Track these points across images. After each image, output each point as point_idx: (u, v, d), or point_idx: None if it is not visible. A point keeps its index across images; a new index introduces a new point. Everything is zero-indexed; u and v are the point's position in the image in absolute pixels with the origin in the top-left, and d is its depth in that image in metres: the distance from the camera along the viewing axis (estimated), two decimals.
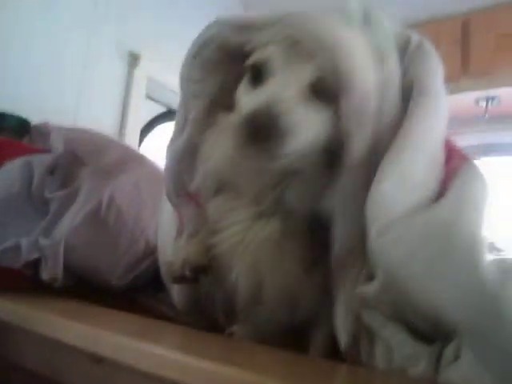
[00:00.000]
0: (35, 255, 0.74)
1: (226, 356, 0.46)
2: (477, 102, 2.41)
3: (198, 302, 0.63)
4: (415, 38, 0.56)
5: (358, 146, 0.46)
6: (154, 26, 1.96)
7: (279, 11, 0.51)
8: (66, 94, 1.57)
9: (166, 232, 0.68)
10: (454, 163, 0.49)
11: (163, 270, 0.70)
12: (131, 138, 1.79)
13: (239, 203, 0.53)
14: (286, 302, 0.52)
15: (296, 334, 0.55)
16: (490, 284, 0.35)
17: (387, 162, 0.45)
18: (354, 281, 0.46)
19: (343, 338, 0.44)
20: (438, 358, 0.38)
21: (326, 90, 0.46)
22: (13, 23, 1.39)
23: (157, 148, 2.29)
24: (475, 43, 2.26)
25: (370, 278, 0.43)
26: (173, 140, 0.59)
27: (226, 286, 0.55)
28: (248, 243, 0.51)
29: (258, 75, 0.49)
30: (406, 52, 0.54)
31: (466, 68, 2.27)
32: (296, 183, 0.50)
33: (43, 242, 0.74)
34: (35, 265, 0.75)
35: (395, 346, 0.40)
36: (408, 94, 0.50)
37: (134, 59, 1.81)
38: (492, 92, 2.30)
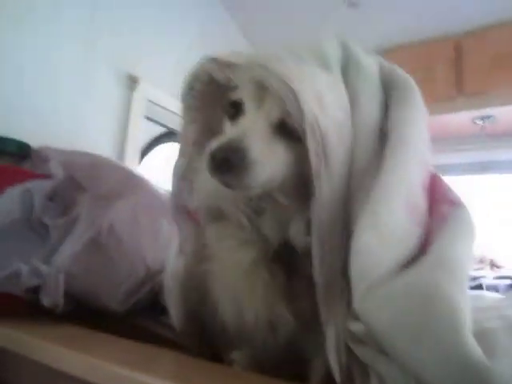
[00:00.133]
0: (36, 282, 0.74)
1: None
2: (473, 120, 2.43)
3: (197, 325, 0.63)
4: (400, 77, 0.56)
5: (325, 185, 0.47)
6: (152, 50, 2.00)
7: (254, 52, 0.55)
8: (65, 116, 1.58)
9: (171, 251, 0.70)
10: (441, 210, 0.48)
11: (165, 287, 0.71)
12: (131, 160, 1.80)
13: (229, 231, 0.56)
14: (266, 331, 0.54)
15: (295, 364, 0.55)
16: (473, 358, 0.34)
17: (366, 214, 0.44)
18: (341, 315, 0.46)
19: (336, 371, 0.44)
20: None
21: (290, 129, 0.49)
22: (11, 49, 1.41)
23: (156, 167, 2.31)
24: (469, 63, 2.30)
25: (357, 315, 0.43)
26: (176, 161, 0.62)
27: (216, 312, 0.57)
28: (228, 270, 0.54)
29: (237, 111, 0.54)
30: (390, 93, 0.55)
31: (460, 88, 2.30)
32: (271, 212, 0.53)
33: (44, 268, 0.75)
34: (35, 290, 0.76)
35: (388, 379, 0.40)
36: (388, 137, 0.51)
37: (132, 82, 1.83)
38: (488, 111, 2.32)
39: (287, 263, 0.52)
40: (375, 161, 0.49)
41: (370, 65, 0.56)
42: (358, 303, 0.41)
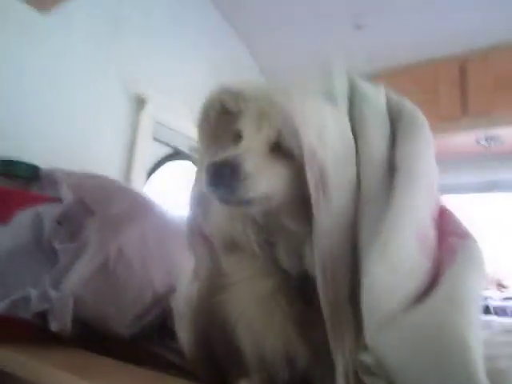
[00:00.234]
0: (44, 306, 0.75)
1: None
2: (477, 140, 2.44)
3: (207, 351, 0.63)
4: (408, 109, 0.57)
5: (325, 216, 0.48)
6: (160, 71, 2.02)
7: (264, 84, 0.57)
8: (74, 138, 1.60)
9: (185, 275, 0.70)
10: (450, 242, 0.48)
11: (176, 315, 0.72)
12: (138, 180, 1.81)
13: (245, 261, 0.57)
14: (283, 361, 0.54)
15: None
16: None
17: (375, 247, 0.45)
18: (349, 344, 0.46)
19: None
20: None
21: (286, 150, 0.51)
22: (21, 70, 1.44)
23: (162, 187, 2.32)
24: (473, 84, 2.32)
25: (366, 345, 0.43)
26: (193, 186, 0.63)
27: (232, 341, 0.57)
28: (246, 301, 0.55)
29: (241, 138, 0.56)
30: (397, 125, 0.55)
31: (465, 108, 2.32)
32: (284, 241, 0.54)
33: (52, 293, 0.75)
34: (44, 315, 0.76)
35: None
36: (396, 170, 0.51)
37: (140, 102, 1.85)
38: (492, 131, 2.33)
39: (304, 292, 0.53)
40: (384, 192, 0.50)
41: (377, 97, 0.57)
42: (369, 340, 0.41)
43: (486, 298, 1.84)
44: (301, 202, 0.51)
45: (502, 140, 2.38)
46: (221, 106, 0.58)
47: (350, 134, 0.53)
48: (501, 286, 2.08)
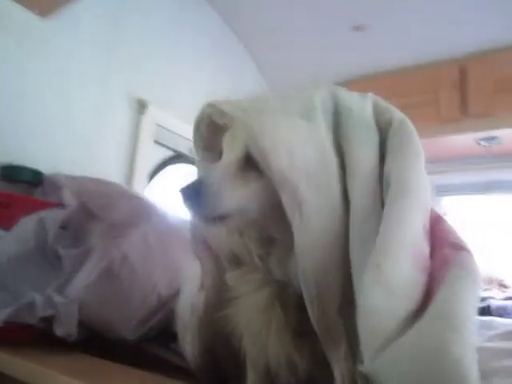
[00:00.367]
0: (50, 312, 0.75)
1: None
2: (477, 141, 2.44)
3: (212, 361, 0.64)
4: (396, 119, 0.56)
5: (303, 235, 0.48)
6: (161, 75, 2.03)
7: (243, 101, 0.59)
8: (77, 142, 1.60)
9: (190, 283, 0.71)
10: (444, 253, 0.48)
11: (179, 323, 0.72)
12: (140, 183, 1.82)
13: (247, 275, 0.59)
14: (285, 370, 0.54)
15: None
16: None
17: (370, 268, 0.44)
18: (345, 356, 0.46)
19: None
20: None
21: (255, 165, 0.52)
22: (22, 75, 1.44)
23: (164, 190, 2.32)
24: (473, 86, 2.32)
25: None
26: None
27: (236, 354, 0.59)
28: (245, 313, 0.56)
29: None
30: (386, 135, 0.54)
31: (465, 110, 2.32)
32: (276, 252, 0.55)
33: (58, 299, 0.76)
34: (49, 320, 0.77)
35: None
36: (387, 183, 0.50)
37: (142, 106, 1.86)
38: (492, 132, 2.34)
39: (301, 300, 0.53)
40: (375, 209, 0.49)
41: (362, 109, 0.56)
42: (367, 364, 0.41)
43: (487, 298, 1.85)
44: (282, 209, 0.50)
45: (502, 141, 2.38)
46: (210, 120, 0.60)
47: (331, 152, 0.52)
48: (502, 286, 2.08)
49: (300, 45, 2.60)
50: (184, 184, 0.51)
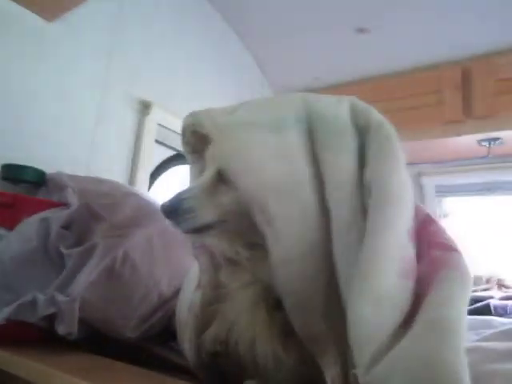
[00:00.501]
0: (51, 310, 0.76)
1: None
2: (479, 142, 2.44)
3: (210, 359, 0.65)
4: (374, 121, 0.54)
5: (275, 246, 0.49)
6: (163, 77, 2.03)
7: (218, 117, 0.60)
8: (79, 142, 1.61)
9: (190, 282, 0.72)
10: (433, 255, 0.47)
11: (179, 321, 0.73)
12: (142, 183, 1.83)
13: (237, 273, 0.61)
14: (272, 366, 0.55)
15: None
16: None
17: (356, 280, 0.44)
18: (333, 362, 0.47)
19: None
20: None
21: (228, 180, 0.54)
22: (28, 76, 1.45)
23: (167, 190, 2.33)
24: (476, 88, 2.32)
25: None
26: None
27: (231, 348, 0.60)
28: (233, 311, 0.58)
29: None
30: (366, 137, 0.53)
31: (468, 112, 2.32)
32: (258, 255, 0.56)
33: (59, 297, 0.77)
34: (50, 318, 0.78)
35: None
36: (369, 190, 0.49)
37: (144, 107, 1.87)
38: (495, 133, 2.33)
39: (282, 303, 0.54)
40: (357, 213, 0.49)
41: (337, 115, 0.55)
42: (361, 377, 0.41)
43: (487, 298, 1.85)
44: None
45: (505, 142, 2.38)
46: (193, 129, 0.62)
47: (302, 162, 0.52)
48: (502, 286, 2.08)
49: (303, 45, 2.60)
50: (165, 200, 0.56)
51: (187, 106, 0.65)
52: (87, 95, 1.67)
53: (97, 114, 1.69)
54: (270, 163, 0.52)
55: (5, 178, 1.21)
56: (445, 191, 2.80)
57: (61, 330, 0.76)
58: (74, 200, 0.92)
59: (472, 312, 1.56)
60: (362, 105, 0.57)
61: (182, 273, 0.89)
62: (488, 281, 2.13)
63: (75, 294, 0.77)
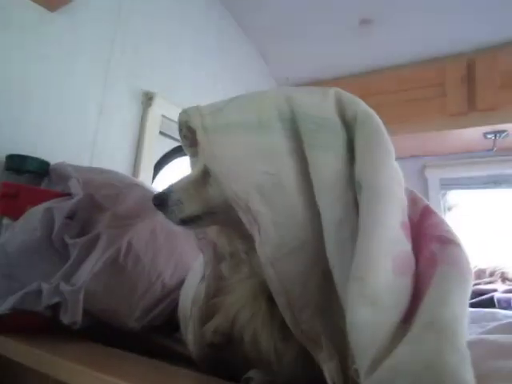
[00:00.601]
0: (56, 300, 0.77)
1: None
2: (485, 135, 2.43)
3: (213, 351, 0.65)
4: (360, 113, 0.53)
5: (262, 244, 0.50)
6: (167, 68, 2.02)
7: (208, 112, 0.60)
8: (82, 133, 1.61)
9: (194, 274, 0.73)
10: (431, 249, 0.46)
11: (182, 313, 0.74)
12: (145, 174, 1.83)
13: (238, 267, 0.63)
14: (273, 358, 0.56)
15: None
16: None
17: (352, 282, 0.43)
18: (328, 357, 0.47)
19: None
20: None
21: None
22: (30, 67, 1.45)
23: (170, 180, 2.33)
24: (481, 81, 2.31)
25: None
26: None
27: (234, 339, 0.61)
28: (235, 304, 0.60)
29: None
30: (353, 129, 0.53)
31: (472, 104, 2.31)
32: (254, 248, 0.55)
33: (64, 287, 0.77)
34: (55, 307, 0.78)
35: None
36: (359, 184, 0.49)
37: (148, 99, 1.86)
38: (500, 126, 2.32)
39: None
40: (348, 209, 0.49)
41: (321, 110, 0.54)
42: (363, 380, 0.40)
43: (491, 291, 1.85)
44: None
45: (510, 135, 2.37)
46: (188, 125, 0.63)
47: (289, 161, 0.52)
48: (506, 279, 2.08)
49: (306, 38, 2.59)
50: (155, 193, 0.60)
51: (191, 97, 0.65)
52: (90, 86, 1.66)
53: (100, 105, 1.69)
54: (255, 164, 0.52)
55: (9, 169, 1.21)
56: (449, 184, 2.80)
57: (65, 319, 0.77)
58: (78, 190, 0.92)
59: (476, 305, 1.57)
60: (347, 96, 0.56)
61: (185, 264, 0.90)
62: (492, 274, 2.12)
63: (79, 283, 0.77)
